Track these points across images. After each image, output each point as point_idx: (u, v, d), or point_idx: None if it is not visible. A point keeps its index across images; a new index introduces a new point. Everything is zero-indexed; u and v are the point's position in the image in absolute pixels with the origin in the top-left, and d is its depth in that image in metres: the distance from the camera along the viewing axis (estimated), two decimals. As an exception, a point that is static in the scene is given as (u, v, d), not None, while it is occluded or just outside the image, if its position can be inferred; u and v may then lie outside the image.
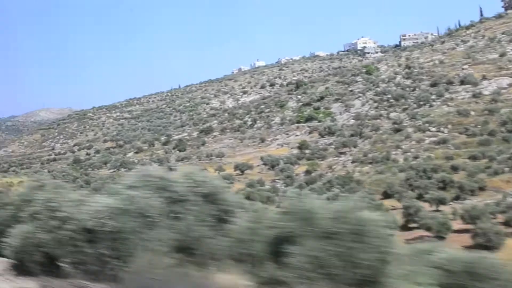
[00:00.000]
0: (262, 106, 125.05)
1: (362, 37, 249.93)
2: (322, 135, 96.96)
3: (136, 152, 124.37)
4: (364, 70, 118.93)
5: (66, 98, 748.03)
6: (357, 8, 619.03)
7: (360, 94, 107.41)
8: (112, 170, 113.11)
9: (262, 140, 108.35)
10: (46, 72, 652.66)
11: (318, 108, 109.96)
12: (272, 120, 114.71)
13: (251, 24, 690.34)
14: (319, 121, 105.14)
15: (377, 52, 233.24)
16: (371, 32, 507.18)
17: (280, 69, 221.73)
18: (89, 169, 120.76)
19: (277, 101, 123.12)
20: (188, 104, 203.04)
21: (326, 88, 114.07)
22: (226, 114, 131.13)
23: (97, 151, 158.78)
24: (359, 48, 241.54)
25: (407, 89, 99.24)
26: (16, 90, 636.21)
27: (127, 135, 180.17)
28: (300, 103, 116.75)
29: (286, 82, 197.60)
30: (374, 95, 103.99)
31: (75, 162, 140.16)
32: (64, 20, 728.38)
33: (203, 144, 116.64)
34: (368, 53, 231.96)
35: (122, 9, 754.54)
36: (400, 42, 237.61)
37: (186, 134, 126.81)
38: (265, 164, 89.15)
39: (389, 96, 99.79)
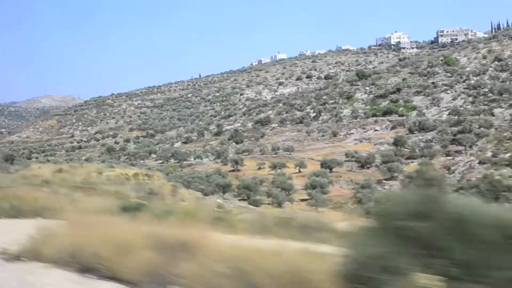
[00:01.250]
0: (324, 97, 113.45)
1: (395, 31, 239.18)
2: (411, 131, 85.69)
3: (185, 142, 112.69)
4: (441, 62, 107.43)
5: (67, 86, 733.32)
6: (382, 3, 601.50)
7: (447, 87, 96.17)
8: (160, 161, 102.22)
9: (334, 134, 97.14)
10: (46, 59, 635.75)
11: (396, 101, 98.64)
12: (341, 113, 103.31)
13: (270, 16, 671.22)
14: (401, 115, 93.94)
15: (413, 48, 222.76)
16: (400, 27, 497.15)
17: (313, 61, 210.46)
18: (130, 158, 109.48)
19: (341, 92, 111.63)
20: (218, 94, 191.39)
21: (404, 79, 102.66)
22: (281, 104, 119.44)
23: (127, 140, 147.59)
24: (393, 43, 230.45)
25: (509, 82, 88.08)
26: (16, 76, 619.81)
27: (155, 124, 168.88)
28: (372, 95, 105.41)
29: (324, 75, 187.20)
30: (465, 88, 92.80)
31: (108, 151, 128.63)
32: (67, 8, 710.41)
33: (262, 136, 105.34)
34: (404, 48, 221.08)
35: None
36: (437, 37, 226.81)
37: (239, 124, 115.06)
38: (358, 162, 77.73)
39: (486, 90, 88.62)
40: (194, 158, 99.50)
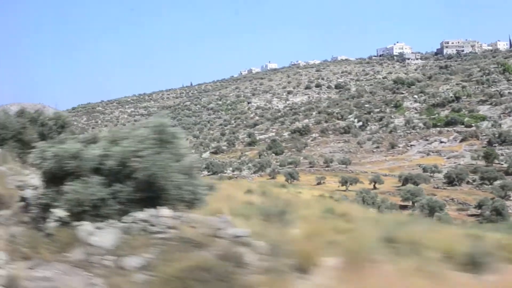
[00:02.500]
0: (367, 105, 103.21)
1: (398, 42, 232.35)
2: (490, 143, 75.95)
3: (214, 153, 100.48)
4: (498, 69, 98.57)
5: (36, 94, 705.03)
6: (374, 14, 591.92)
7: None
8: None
9: (392, 146, 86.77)
10: (17, 65, 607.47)
11: (458, 110, 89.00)
12: (392, 122, 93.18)
13: (259, 26, 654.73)
14: (468, 126, 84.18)
15: (417, 59, 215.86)
16: (399, 37, 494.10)
17: (317, 70, 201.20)
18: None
19: (387, 100, 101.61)
20: (220, 102, 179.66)
21: (463, 87, 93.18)
22: (315, 113, 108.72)
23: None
24: (395, 53, 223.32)
25: None
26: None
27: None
28: (425, 104, 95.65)
29: (334, 84, 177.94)
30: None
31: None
32: (40, 15, 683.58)
33: (304, 147, 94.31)
34: (408, 59, 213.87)
35: (113, 5, 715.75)
36: (441, 49, 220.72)
37: (273, 134, 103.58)
38: (448, 177, 67.24)
39: None
40: (233, 170, 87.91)
